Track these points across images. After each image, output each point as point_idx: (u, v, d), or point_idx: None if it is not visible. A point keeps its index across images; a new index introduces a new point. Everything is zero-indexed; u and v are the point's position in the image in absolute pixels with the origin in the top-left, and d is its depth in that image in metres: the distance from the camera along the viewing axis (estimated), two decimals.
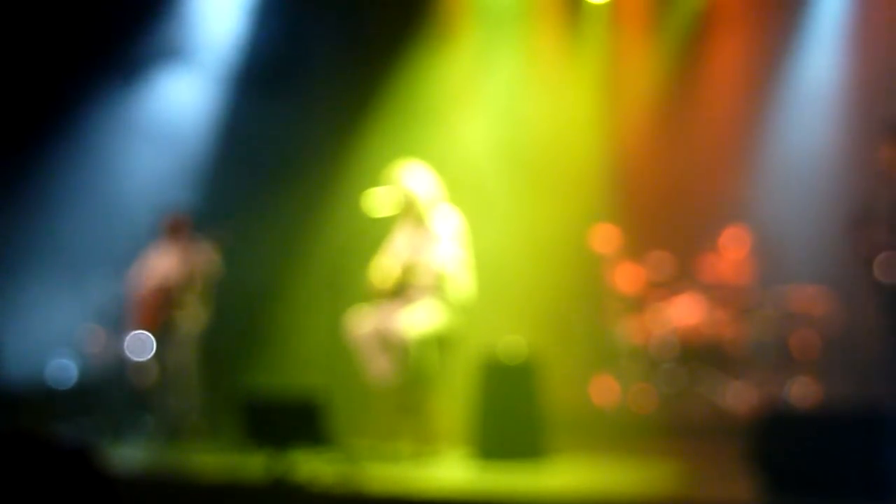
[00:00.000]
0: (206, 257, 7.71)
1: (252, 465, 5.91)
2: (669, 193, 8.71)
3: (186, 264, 7.76)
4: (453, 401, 6.72)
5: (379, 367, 6.62)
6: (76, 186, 9.08)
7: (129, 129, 9.20)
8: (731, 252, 8.13)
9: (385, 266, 6.84)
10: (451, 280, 6.67)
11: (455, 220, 6.82)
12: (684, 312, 8.10)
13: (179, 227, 7.98)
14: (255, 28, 9.34)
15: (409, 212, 6.82)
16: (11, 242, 8.96)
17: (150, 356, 7.68)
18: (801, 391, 7.78)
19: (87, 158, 9.10)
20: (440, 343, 6.64)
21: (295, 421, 5.89)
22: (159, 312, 7.75)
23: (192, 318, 7.72)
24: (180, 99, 9.37)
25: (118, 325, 7.94)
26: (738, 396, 7.85)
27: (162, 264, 7.90)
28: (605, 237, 8.37)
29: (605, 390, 8.19)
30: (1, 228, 8.98)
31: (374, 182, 7.06)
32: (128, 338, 7.74)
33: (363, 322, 6.71)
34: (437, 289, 6.67)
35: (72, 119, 9.08)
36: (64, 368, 8.38)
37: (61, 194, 9.07)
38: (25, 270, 8.86)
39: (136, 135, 9.24)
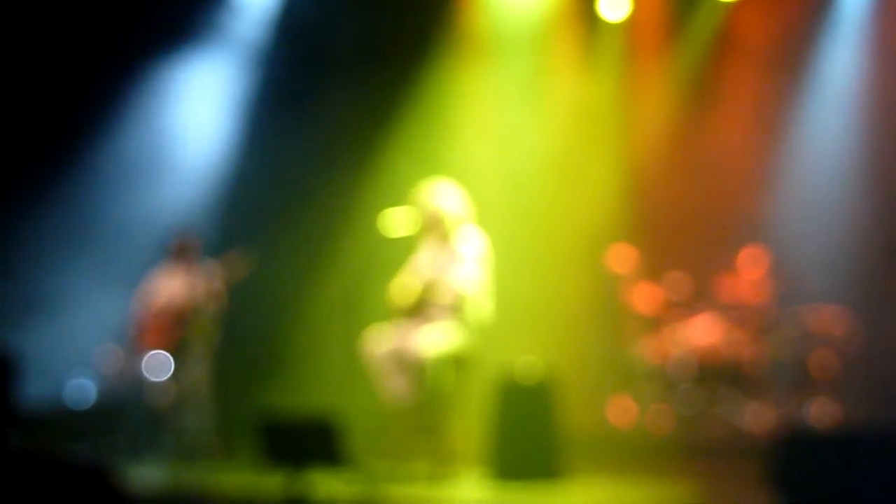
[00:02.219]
0: (210, 281, 7.71)
1: (269, 485, 5.91)
2: (687, 213, 8.70)
3: (191, 287, 7.78)
4: (470, 421, 6.71)
5: (396, 387, 6.62)
6: (97, 205, 9.11)
7: (151, 154, 9.24)
8: (749, 272, 8.11)
9: (406, 283, 6.83)
10: (470, 302, 6.66)
11: (480, 241, 6.80)
12: (702, 333, 8.07)
13: (186, 249, 8.01)
14: (271, 45, 9.38)
15: (436, 229, 6.79)
16: (30, 262, 8.99)
17: (167, 376, 7.70)
18: (820, 412, 7.74)
19: (109, 177, 9.13)
20: (457, 363, 6.63)
21: (312, 441, 5.88)
22: (169, 333, 7.77)
23: (205, 338, 7.74)
24: (201, 114, 9.42)
25: (131, 346, 7.97)
26: (757, 417, 7.81)
27: (167, 286, 7.93)
28: (622, 257, 8.36)
29: (623, 411, 8.17)
30: (20, 248, 9.01)
31: (392, 202, 7.07)
32: (146, 358, 7.76)
33: (380, 342, 6.71)
34: (455, 309, 6.66)
35: (94, 133, 9.11)
36: (82, 388, 8.40)
37: (81, 214, 9.10)
38: (44, 290, 8.89)
39: (157, 154, 9.28)
